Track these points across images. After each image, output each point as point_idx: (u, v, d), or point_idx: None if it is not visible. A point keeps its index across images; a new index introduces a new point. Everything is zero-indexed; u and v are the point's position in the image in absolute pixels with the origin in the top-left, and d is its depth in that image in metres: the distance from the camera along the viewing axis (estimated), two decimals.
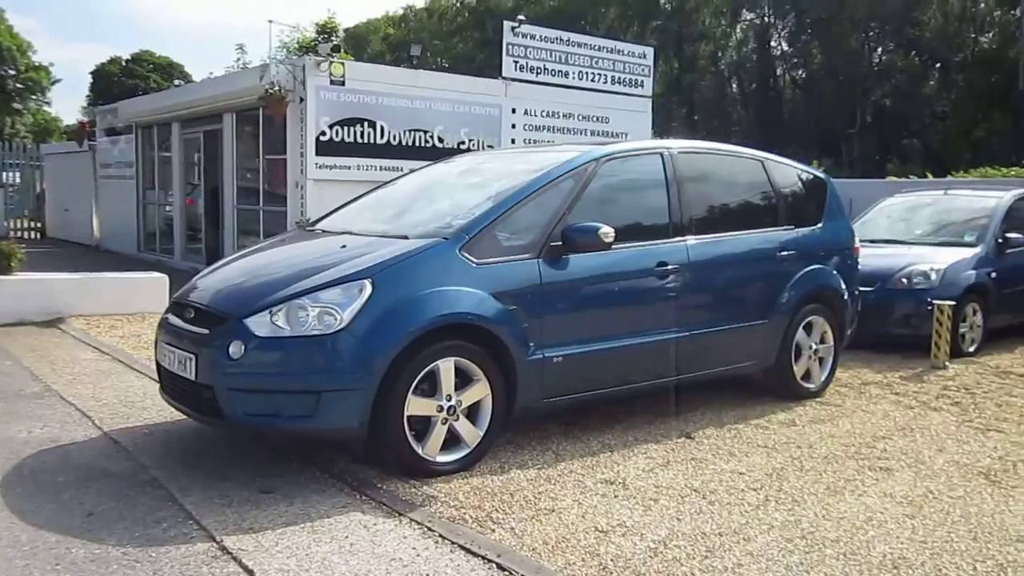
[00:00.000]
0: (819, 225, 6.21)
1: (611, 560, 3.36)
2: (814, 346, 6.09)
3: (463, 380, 4.27)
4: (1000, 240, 8.17)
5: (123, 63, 50.00)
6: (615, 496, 4.06)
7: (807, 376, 6.07)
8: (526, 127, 13.27)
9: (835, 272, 6.21)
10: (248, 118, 12.58)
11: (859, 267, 6.63)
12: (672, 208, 5.25)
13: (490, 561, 3.30)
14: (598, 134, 14.21)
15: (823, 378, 6.19)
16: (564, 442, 4.87)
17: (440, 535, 3.53)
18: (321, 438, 4.19)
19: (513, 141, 13.10)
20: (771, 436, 5.14)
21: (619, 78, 14.51)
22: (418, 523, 3.67)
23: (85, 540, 3.45)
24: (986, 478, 4.45)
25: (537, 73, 13.38)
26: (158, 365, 4.69)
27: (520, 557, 3.35)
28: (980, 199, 8.90)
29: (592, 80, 14.14)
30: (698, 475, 4.39)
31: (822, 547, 3.53)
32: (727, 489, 4.19)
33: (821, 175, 6.58)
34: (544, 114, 13.49)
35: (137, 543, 3.42)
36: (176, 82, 41.66)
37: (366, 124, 11.54)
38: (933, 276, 7.61)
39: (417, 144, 12.04)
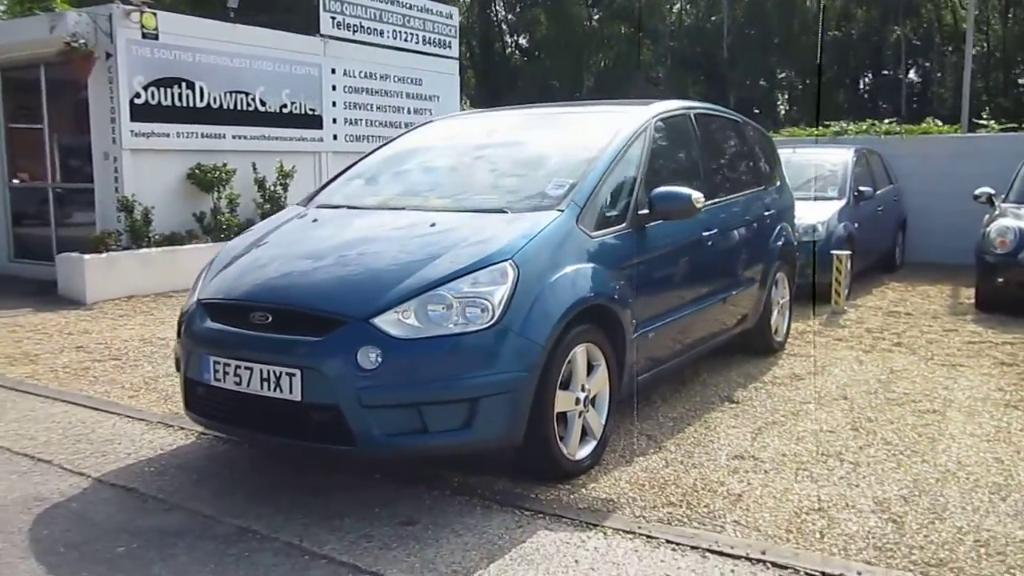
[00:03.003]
0: (778, 184, 6.44)
1: (866, 540, 3.22)
2: (781, 301, 6.33)
3: (587, 368, 3.86)
4: (856, 193, 9.04)
5: None
6: (767, 469, 3.91)
7: (776, 330, 6.30)
8: (346, 89, 12.35)
9: (790, 228, 6.49)
10: (23, 79, 10.41)
11: None
12: (700, 170, 5.14)
13: (759, 561, 3.01)
14: (412, 97, 13.64)
15: (785, 330, 6.47)
16: (628, 423, 4.59)
17: (670, 540, 3.16)
18: (475, 452, 3.54)
19: (334, 104, 12.15)
20: (798, 392, 5.25)
21: (429, 38, 13.97)
22: (625, 531, 3.26)
23: None
24: (1015, 408, 4.90)
25: (354, 31, 12.46)
26: (189, 384, 3.72)
27: (788, 551, 3.10)
28: (829, 155, 9.76)
29: (405, 40, 13.48)
30: (795, 436, 4.36)
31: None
32: (842, 448, 4.20)
33: (768, 134, 6.81)
34: (363, 75, 12.63)
35: None
36: None
37: (184, 85, 10.02)
38: (820, 229, 8.23)
39: (239, 107, 10.70)
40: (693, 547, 3.13)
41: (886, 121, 12.04)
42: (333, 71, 12.09)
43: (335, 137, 12.20)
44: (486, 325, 3.33)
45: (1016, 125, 11.84)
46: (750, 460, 4.05)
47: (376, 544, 3.18)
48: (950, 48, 37.45)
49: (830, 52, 38.11)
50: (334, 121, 12.15)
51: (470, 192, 4.32)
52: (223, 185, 10.25)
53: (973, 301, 8.22)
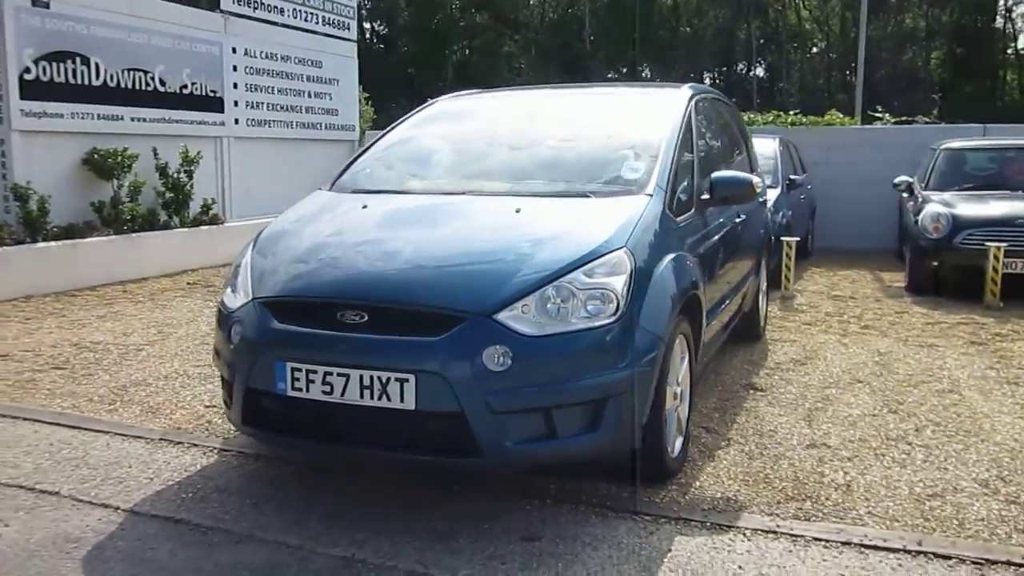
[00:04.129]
0: (756, 171, 6.47)
1: (1002, 522, 3.21)
2: (762, 287, 6.38)
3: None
4: (788, 181, 9.30)
5: None
6: (848, 456, 3.85)
7: (763, 315, 6.35)
8: (248, 70, 11.52)
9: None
10: None
11: None
12: (731, 153, 5.07)
13: (919, 552, 2.92)
14: (313, 80, 12.94)
15: (765, 316, 6.53)
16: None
17: (817, 538, 3.03)
18: (597, 456, 3.24)
19: (236, 86, 11.31)
20: (811, 376, 5.28)
21: (329, 19, 13.28)
22: (765, 531, 3.09)
23: None
24: (1018, 385, 5.13)
25: (255, 7, 11.64)
26: (249, 396, 3.23)
27: (944, 540, 3.02)
28: (757, 145, 9.97)
29: (305, 20, 12.74)
30: (845, 422, 4.36)
31: None
32: (902, 433, 4.23)
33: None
34: (264, 55, 11.83)
35: None
36: None
37: (78, 60, 8.98)
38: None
39: (138, 87, 9.74)
40: (844, 543, 3.01)
41: (791, 112, 12.53)
42: (234, 50, 11.25)
43: (237, 121, 11.37)
44: (612, 318, 3.06)
45: (909, 118, 12.63)
46: (824, 448, 3.99)
47: (512, 564, 2.86)
48: (795, 46, 39.81)
49: (685, 47, 39.61)
50: (236, 104, 11.32)
51: (533, 176, 4.00)
52: (124, 171, 9.30)
53: (904, 284, 8.65)
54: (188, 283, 9.00)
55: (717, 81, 43.80)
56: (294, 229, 3.72)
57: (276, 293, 3.28)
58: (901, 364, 5.61)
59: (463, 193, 3.86)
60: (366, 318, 3.05)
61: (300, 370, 3.08)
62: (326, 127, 13.26)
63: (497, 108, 4.88)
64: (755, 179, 4.18)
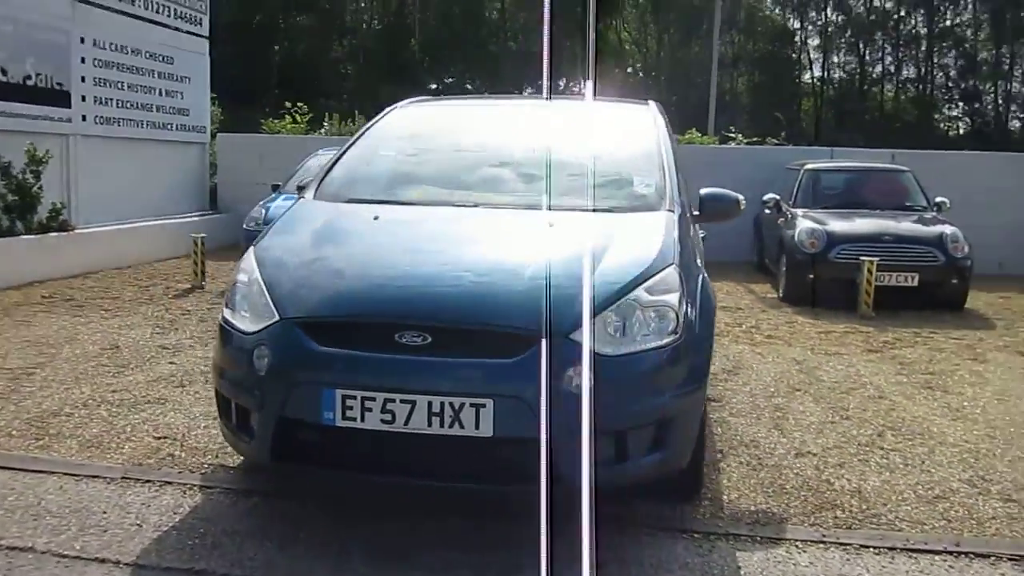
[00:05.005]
0: None
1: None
2: None
3: None
4: None
5: None
6: (840, 463, 4.03)
7: None
8: (97, 62, 10.53)
9: None
10: None
11: None
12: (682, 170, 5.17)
13: (960, 553, 3.10)
14: (164, 77, 12.03)
15: None
16: None
17: (865, 545, 3.14)
18: (656, 480, 3.14)
19: (84, 79, 10.30)
20: (748, 386, 5.50)
21: (181, 12, 12.40)
22: (815, 542, 3.17)
23: None
24: (935, 390, 5.59)
25: None
26: (285, 427, 2.92)
27: (979, 540, 3.22)
28: None
29: (158, 12, 11.81)
30: (815, 429, 4.57)
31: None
32: (879, 437, 4.49)
33: None
34: (114, 48, 10.85)
35: None
36: None
37: None
38: None
39: None
40: (891, 548, 3.14)
41: None
42: (83, 40, 10.26)
43: (84, 118, 10.38)
44: (674, 336, 3.02)
45: (760, 139, 13.54)
46: (811, 456, 4.15)
47: None
48: (612, 64, 41.63)
49: (512, 61, 40.37)
50: (84, 99, 10.33)
51: (539, 190, 3.88)
52: None
53: (778, 295, 9.24)
54: (43, 296, 8.05)
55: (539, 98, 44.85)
56: (305, 242, 3.40)
57: (317, 313, 2.98)
58: (822, 372, 5.97)
59: (474, 205, 3.70)
60: (429, 339, 2.83)
61: (354, 398, 2.81)
62: (177, 128, 12.37)
63: (470, 118, 4.71)
64: (740, 197, 4.29)
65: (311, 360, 2.89)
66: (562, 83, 44.40)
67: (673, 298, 3.09)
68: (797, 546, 3.15)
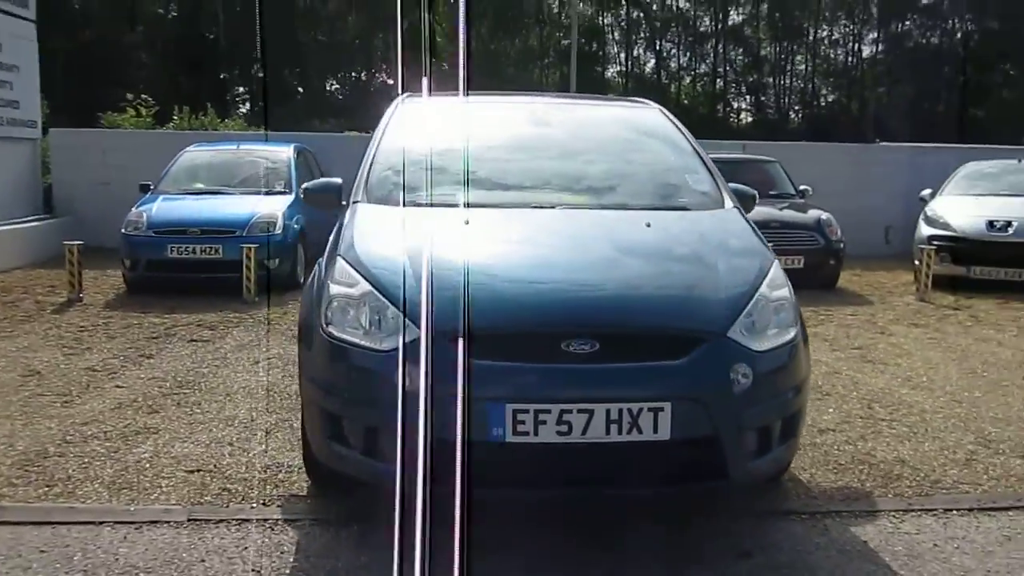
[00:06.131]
0: None
1: None
2: None
3: None
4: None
5: None
6: (859, 436, 4.35)
7: None
8: None
9: None
10: None
11: None
12: None
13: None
14: None
15: None
16: None
17: (947, 509, 3.44)
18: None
19: None
20: None
21: None
22: (910, 510, 3.43)
23: None
24: (867, 362, 6.14)
25: None
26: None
27: None
28: (270, 152, 10.10)
29: None
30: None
31: None
32: (865, 407, 4.87)
33: None
34: None
35: None
36: None
37: None
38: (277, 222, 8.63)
39: None
40: (969, 509, 3.46)
41: None
42: None
43: None
44: (796, 328, 3.16)
45: None
46: (831, 433, 4.45)
47: None
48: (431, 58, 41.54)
49: (323, 52, 39.37)
50: None
51: (600, 188, 3.88)
52: None
53: None
54: None
55: (335, 90, 43.97)
56: (403, 251, 3.18)
57: (474, 325, 2.82)
58: None
59: (552, 207, 3.64)
60: (597, 346, 2.78)
61: (526, 411, 2.71)
62: (7, 122, 11.03)
63: (492, 116, 4.55)
64: (755, 192, 4.50)
65: (475, 376, 2.74)
66: (364, 75, 43.93)
67: (787, 292, 3.22)
68: (895, 516, 3.39)
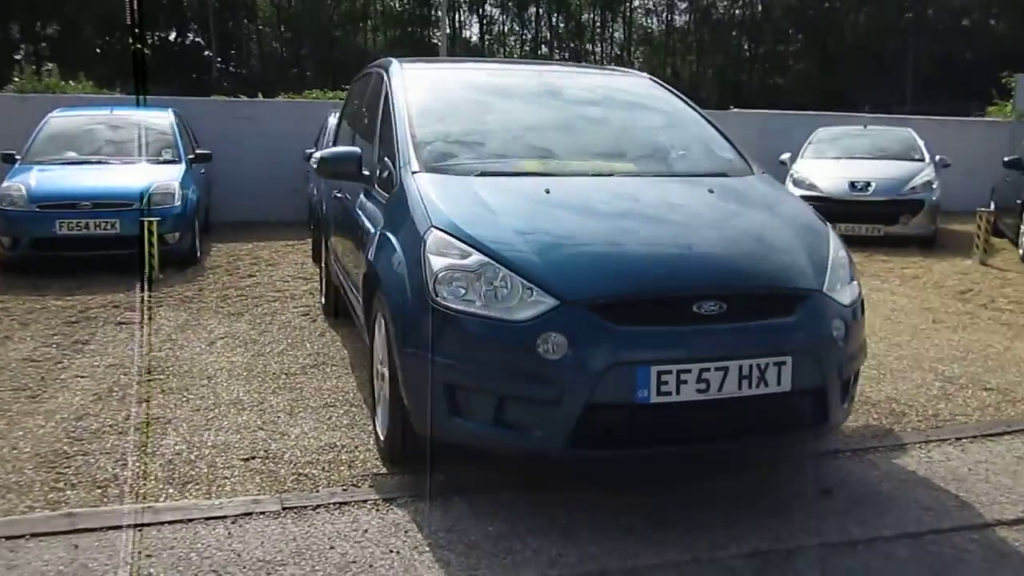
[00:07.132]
0: None
1: None
2: None
3: None
4: (191, 156, 9.05)
5: None
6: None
7: None
8: None
9: None
10: None
11: None
12: None
13: None
14: None
15: None
16: None
17: (976, 436, 3.90)
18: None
19: None
20: None
21: None
22: (932, 441, 3.84)
23: None
24: None
25: None
26: (592, 412, 2.81)
27: None
28: (150, 117, 9.35)
29: None
30: None
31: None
32: None
33: None
34: None
35: None
36: None
37: None
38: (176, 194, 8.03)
39: None
40: (973, 437, 3.93)
41: None
42: None
43: None
44: (857, 285, 3.45)
45: None
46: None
47: (846, 517, 3.12)
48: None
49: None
50: None
51: (639, 156, 4.00)
52: None
53: None
54: None
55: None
56: (501, 219, 3.15)
57: (610, 293, 2.87)
58: None
59: (610, 174, 3.72)
60: (725, 307, 2.93)
61: (669, 372, 2.82)
62: None
63: (505, 83, 4.49)
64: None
65: (621, 341, 2.81)
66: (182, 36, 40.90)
67: (845, 252, 3.50)
68: (922, 447, 3.80)
